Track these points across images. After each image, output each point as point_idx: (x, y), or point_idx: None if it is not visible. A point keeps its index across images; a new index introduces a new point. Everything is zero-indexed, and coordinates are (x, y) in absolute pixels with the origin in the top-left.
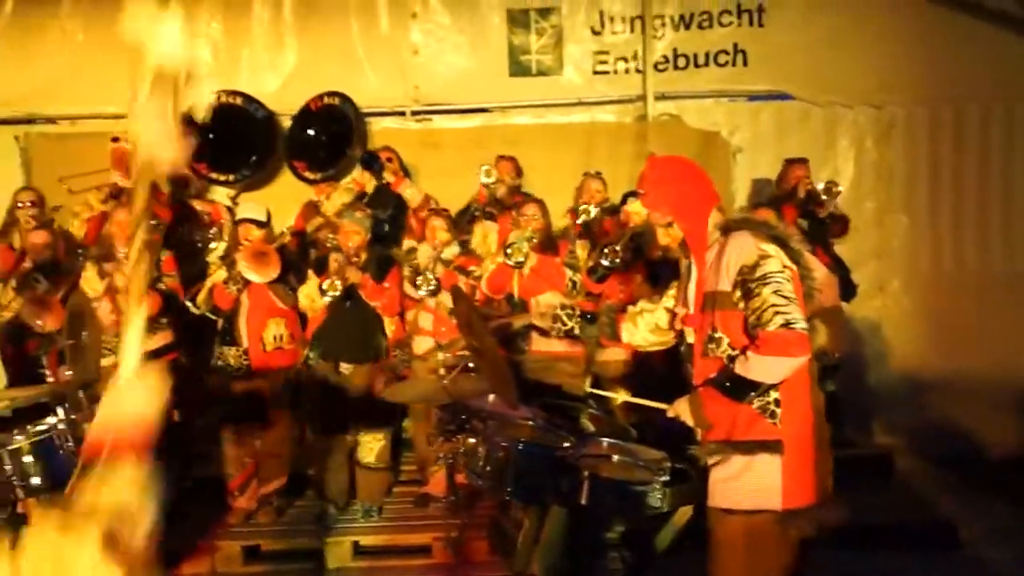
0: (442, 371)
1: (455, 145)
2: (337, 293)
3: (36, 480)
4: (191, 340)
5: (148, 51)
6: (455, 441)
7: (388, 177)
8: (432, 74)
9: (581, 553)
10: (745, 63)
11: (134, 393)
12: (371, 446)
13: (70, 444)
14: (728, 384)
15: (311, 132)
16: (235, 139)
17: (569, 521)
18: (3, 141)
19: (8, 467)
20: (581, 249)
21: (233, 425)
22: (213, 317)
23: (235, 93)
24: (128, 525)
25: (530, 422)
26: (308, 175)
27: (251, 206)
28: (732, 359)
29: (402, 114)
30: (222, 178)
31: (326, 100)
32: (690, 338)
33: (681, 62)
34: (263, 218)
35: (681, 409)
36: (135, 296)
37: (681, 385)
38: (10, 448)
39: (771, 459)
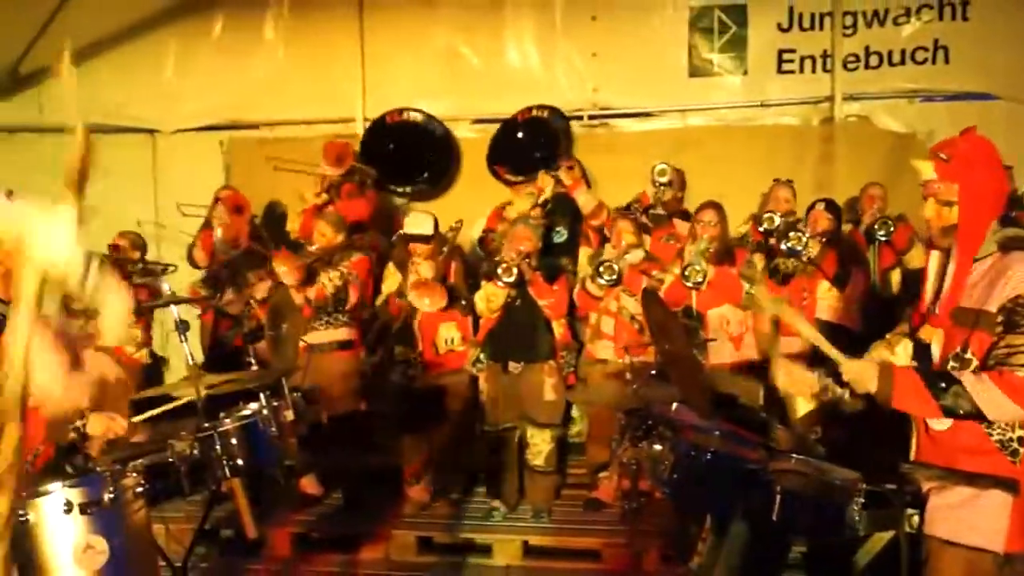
0: (628, 375)
1: (631, 149)
2: (512, 279)
3: (240, 461)
4: (375, 336)
5: (33, 252)
6: (640, 447)
7: (565, 181)
8: (610, 77)
9: (763, 571)
10: (946, 60)
11: None
12: (539, 448)
13: (272, 429)
14: (942, 385)
15: (519, 136)
16: (412, 153)
17: (754, 537)
18: (209, 145)
19: (217, 447)
20: (759, 260)
21: (410, 420)
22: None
23: (413, 110)
24: None
25: (718, 432)
26: (509, 177)
27: (416, 218)
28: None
29: (580, 118)
30: (399, 189)
31: (534, 112)
32: (927, 339)
33: (873, 60)
34: (428, 230)
35: (862, 374)
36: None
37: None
38: (219, 430)
39: (1003, 498)
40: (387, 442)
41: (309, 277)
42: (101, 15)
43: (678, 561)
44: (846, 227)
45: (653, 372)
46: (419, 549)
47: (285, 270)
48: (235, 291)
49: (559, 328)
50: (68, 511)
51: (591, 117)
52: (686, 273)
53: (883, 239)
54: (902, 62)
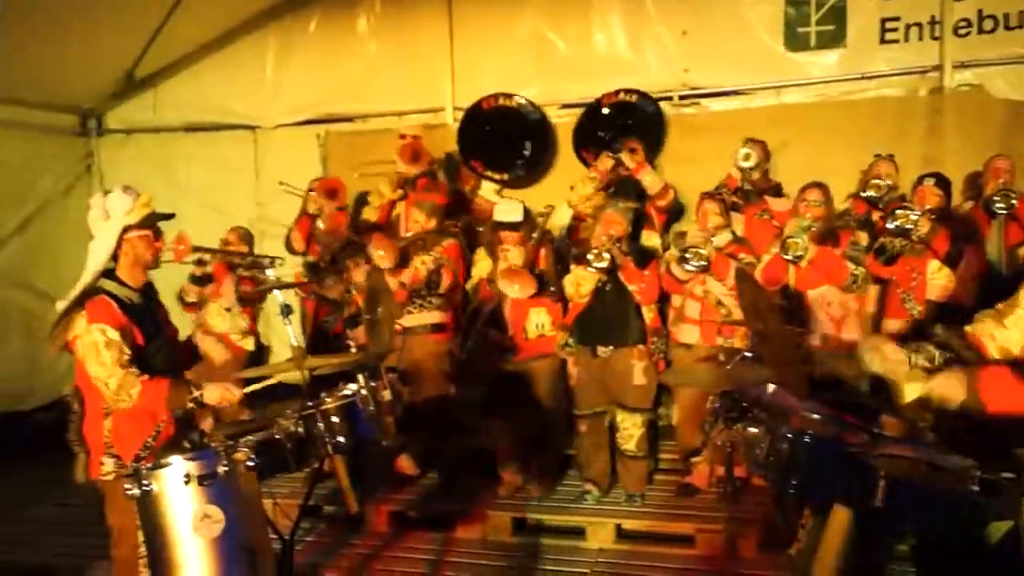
0: (722, 356)
1: (723, 129)
2: (604, 264)
3: (341, 439)
4: (467, 320)
5: None
6: (734, 430)
7: (628, 163)
8: (701, 55)
9: (867, 561)
10: None
11: None
12: (630, 432)
13: (371, 408)
14: None
15: (606, 116)
16: (509, 139)
17: (856, 525)
18: (306, 139)
19: (320, 425)
20: (863, 239)
21: (501, 404)
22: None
23: (509, 95)
24: None
25: (817, 415)
26: (591, 160)
27: (506, 205)
28: None
29: (669, 98)
30: (497, 176)
31: (622, 96)
32: None
33: (987, 24)
34: (518, 217)
35: (948, 389)
36: None
37: None
38: (322, 409)
39: None
40: (480, 425)
41: (403, 261)
42: (207, 18)
43: (775, 548)
44: (967, 204)
45: (747, 354)
46: (513, 530)
47: (382, 254)
48: (335, 278)
49: (649, 313)
50: (187, 482)
51: (681, 98)
52: (786, 245)
53: (1002, 212)
54: (1020, 25)
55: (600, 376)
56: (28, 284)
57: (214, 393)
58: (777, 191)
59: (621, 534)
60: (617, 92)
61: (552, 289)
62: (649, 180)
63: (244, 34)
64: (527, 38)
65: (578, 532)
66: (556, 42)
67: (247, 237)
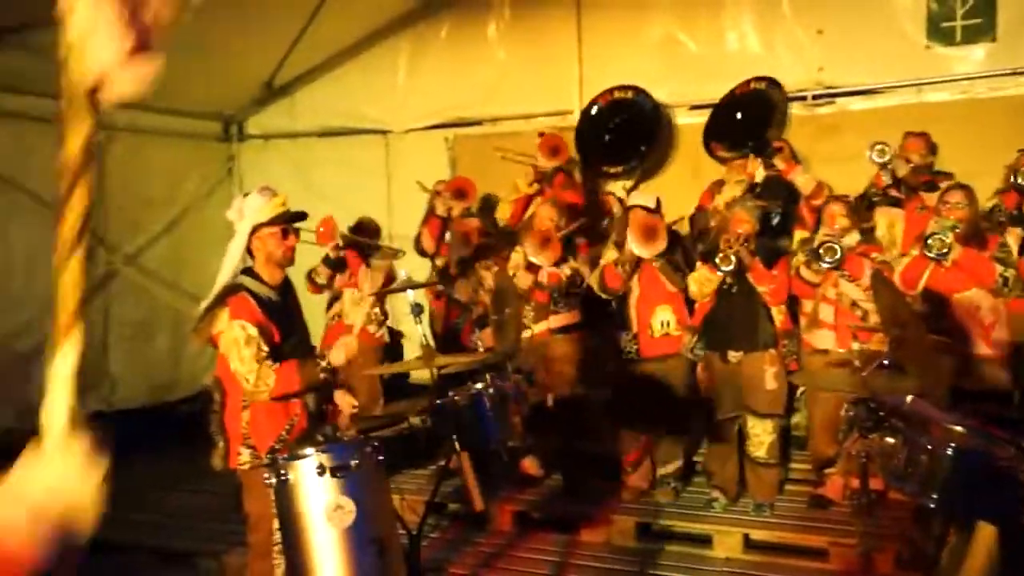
0: (857, 362)
1: (859, 128)
2: (730, 267)
3: (469, 435)
4: (593, 321)
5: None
6: (870, 439)
7: (779, 165)
8: (838, 53)
9: None
10: None
11: (57, 464)
12: (761, 439)
13: (499, 407)
14: None
15: (738, 116)
16: (624, 133)
17: (1003, 543)
18: (436, 143)
19: (448, 423)
20: (1012, 239)
21: (626, 407)
22: (606, 297)
23: (621, 88)
24: None
25: (960, 426)
26: (723, 154)
27: (642, 195)
28: None
29: (803, 98)
30: (612, 170)
31: (752, 86)
32: None
33: None
34: (652, 204)
35: None
36: (67, 317)
37: None
38: (450, 407)
39: None
40: (605, 427)
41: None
42: (342, 28)
43: (914, 566)
44: None
45: (884, 361)
46: (638, 535)
47: (535, 251)
48: (464, 280)
49: (779, 315)
50: (321, 473)
51: (815, 97)
52: (929, 243)
53: None
54: None
55: (730, 381)
56: (174, 282)
57: (339, 354)
58: (931, 186)
59: (749, 544)
60: (748, 82)
61: (681, 274)
62: (802, 180)
63: (377, 42)
64: (657, 39)
65: (704, 540)
66: (687, 43)
67: (373, 227)
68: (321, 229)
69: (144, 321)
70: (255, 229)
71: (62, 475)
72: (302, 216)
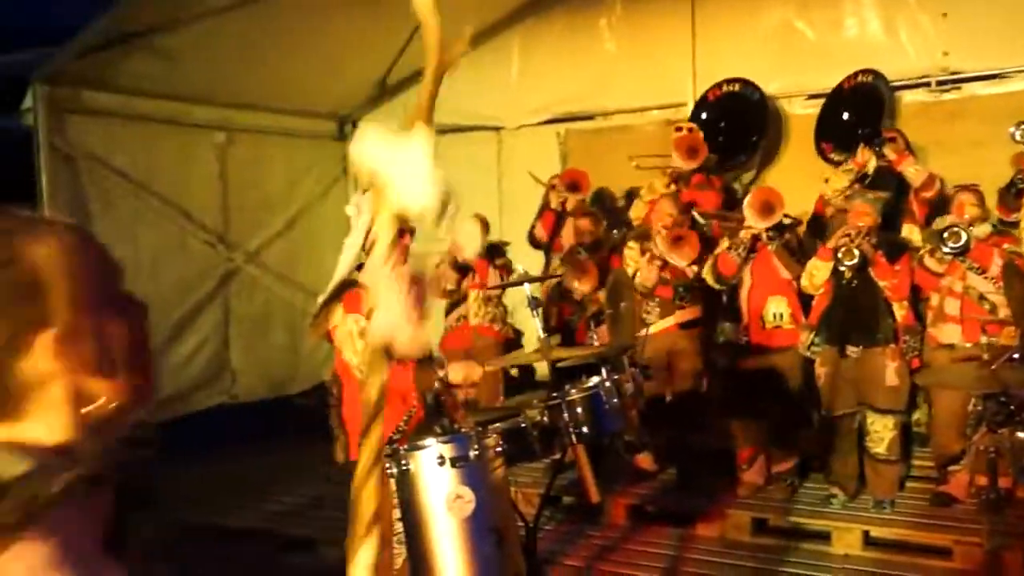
0: (986, 356)
1: (987, 114)
2: (854, 261)
3: (585, 429)
4: (706, 316)
5: (388, 192)
6: (1000, 435)
7: (889, 155)
8: (963, 37)
9: None
10: None
11: None
12: (881, 435)
13: (615, 401)
14: None
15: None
16: (734, 127)
17: None
18: (547, 138)
19: (565, 416)
20: None
21: (740, 402)
22: (719, 287)
23: (732, 81)
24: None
25: None
26: (834, 156)
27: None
28: None
29: (927, 85)
30: (726, 165)
31: (860, 79)
32: None
33: None
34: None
35: None
36: (363, 523)
37: None
38: (567, 399)
39: None
40: (719, 422)
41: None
42: (455, 25)
43: None
44: None
45: (1015, 355)
46: (754, 530)
47: (669, 248)
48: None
49: (900, 310)
50: (441, 464)
51: (939, 83)
52: None
53: None
54: None
55: (849, 376)
56: (292, 279)
57: (458, 372)
58: None
59: (869, 541)
60: (856, 75)
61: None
62: (913, 171)
63: (489, 38)
64: (773, 28)
65: (822, 536)
66: (804, 31)
67: (484, 223)
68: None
69: (263, 316)
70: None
71: None
72: None
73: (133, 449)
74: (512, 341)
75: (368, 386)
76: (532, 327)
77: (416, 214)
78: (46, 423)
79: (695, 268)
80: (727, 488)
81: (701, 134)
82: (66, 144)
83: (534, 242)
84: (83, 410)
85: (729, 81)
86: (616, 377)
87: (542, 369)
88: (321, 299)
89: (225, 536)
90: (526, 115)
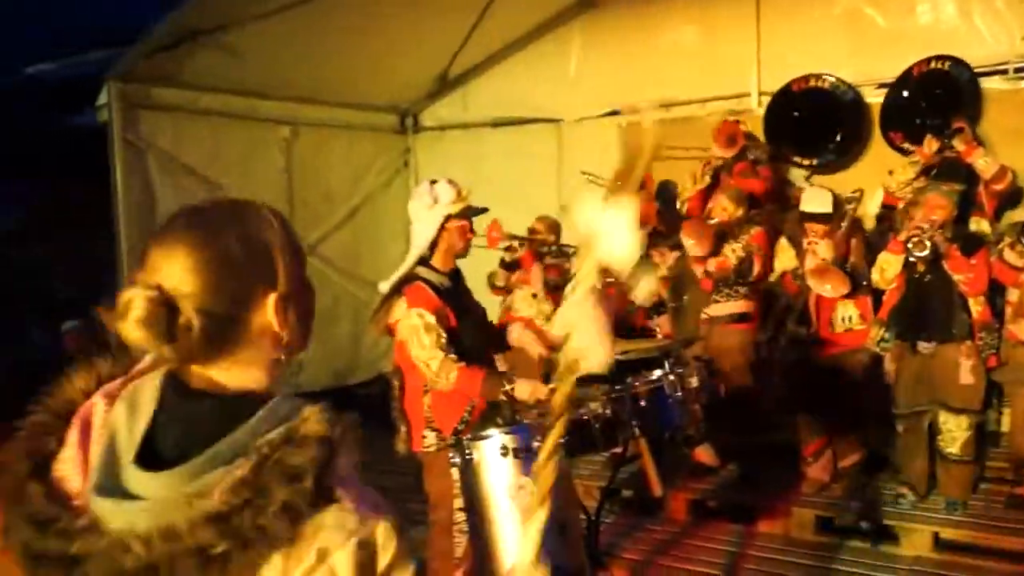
0: None
1: None
2: (925, 253)
3: (648, 422)
4: (778, 314)
5: (595, 244)
6: None
7: (959, 146)
8: None
9: None
10: None
11: None
12: (954, 435)
13: (678, 394)
14: None
15: (911, 99)
16: (819, 122)
17: None
18: (608, 130)
19: (628, 408)
20: None
21: (806, 399)
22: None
23: (821, 76)
24: None
25: None
26: (906, 146)
27: (813, 194)
28: None
29: (1004, 72)
30: (806, 161)
31: (932, 65)
32: None
33: None
34: (827, 208)
35: None
36: (541, 493)
37: None
38: (630, 392)
39: None
40: (783, 419)
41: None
42: (515, 18)
43: None
44: None
45: None
46: (818, 529)
47: (692, 242)
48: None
49: (976, 306)
50: (504, 454)
51: (1017, 70)
52: None
53: None
54: None
55: (921, 374)
56: (354, 270)
57: (524, 389)
58: None
59: (939, 543)
60: (928, 60)
61: (865, 283)
62: (983, 163)
63: (549, 31)
64: (841, 15)
65: (890, 537)
66: (874, 16)
67: (554, 226)
68: (494, 234)
69: (326, 308)
70: (446, 219)
71: None
72: (483, 211)
73: None
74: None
75: (559, 394)
76: None
77: (616, 266)
78: (256, 366)
79: (733, 260)
80: (791, 485)
81: (740, 124)
82: (138, 138)
83: None
84: (277, 356)
85: (820, 75)
86: (680, 370)
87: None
88: (384, 287)
89: None
90: (586, 107)
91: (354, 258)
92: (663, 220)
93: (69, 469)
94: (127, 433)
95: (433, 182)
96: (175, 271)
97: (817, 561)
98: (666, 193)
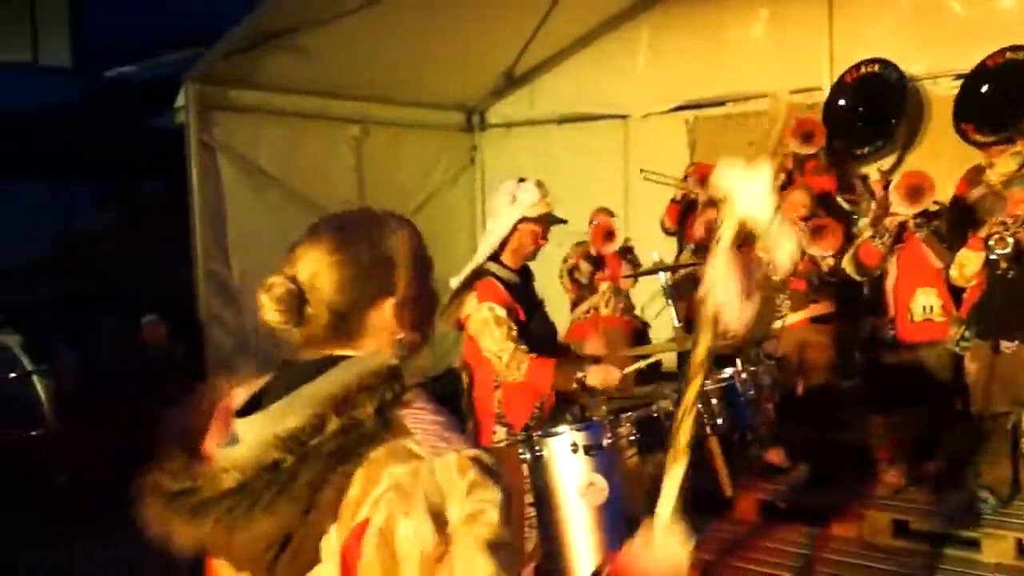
0: None
1: None
2: (1007, 250)
3: (720, 420)
4: (844, 309)
5: (735, 204)
6: None
7: None
8: None
9: None
10: None
11: (662, 546)
12: None
13: (751, 392)
14: None
15: (984, 90)
16: (874, 112)
17: None
18: (675, 125)
19: (699, 406)
20: None
21: (881, 398)
22: (859, 279)
23: (871, 62)
24: None
25: None
26: (977, 138)
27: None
28: None
29: None
30: (857, 151)
31: (1008, 56)
32: None
33: None
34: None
35: None
36: (679, 447)
37: None
38: (702, 390)
39: None
40: (857, 418)
41: None
42: (581, 15)
43: None
44: None
45: None
46: (894, 533)
47: (809, 239)
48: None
49: None
50: (574, 451)
51: None
52: None
53: None
54: None
55: (1004, 374)
56: None
57: (596, 375)
58: None
59: (1022, 550)
60: (1003, 51)
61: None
62: None
63: (616, 26)
64: (917, 4)
65: (970, 543)
66: (951, 5)
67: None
68: (609, 231)
69: None
70: (521, 220)
71: (670, 548)
72: (563, 221)
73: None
74: (640, 332)
75: (699, 346)
76: (659, 320)
77: (754, 225)
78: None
79: (831, 260)
80: (865, 487)
81: (816, 121)
82: (213, 139)
83: (665, 229)
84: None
85: (868, 62)
86: (752, 368)
87: (668, 360)
88: (455, 283)
89: None
90: (653, 103)
91: None
92: None
93: (212, 446)
94: (243, 399)
95: (521, 180)
96: (310, 267)
97: (894, 566)
98: None
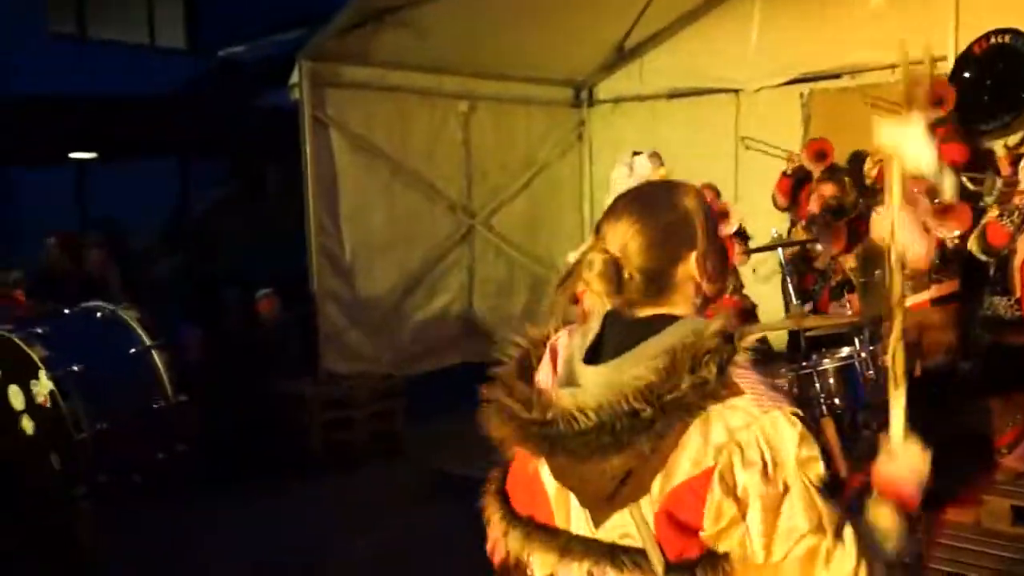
0: None
1: None
2: None
3: (837, 400)
4: (967, 289)
5: (900, 157)
6: None
7: None
8: None
9: None
10: None
11: (903, 457)
12: None
13: (870, 372)
14: None
15: None
16: (1004, 83)
17: None
18: (789, 99)
19: (816, 386)
20: None
21: (1002, 381)
22: (985, 259)
23: (1004, 32)
24: None
25: None
26: None
27: None
28: None
29: None
30: (982, 127)
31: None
32: None
33: None
34: None
35: None
36: (898, 376)
37: None
38: (819, 369)
39: None
40: (977, 401)
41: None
42: None
43: None
44: None
45: None
46: (1014, 520)
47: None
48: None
49: None
50: None
51: None
52: None
53: None
54: None
55: None
56: (528, 243)
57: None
58: None
59: None
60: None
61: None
62: None
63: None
64: None
65: None
66: None
67: (715, 191)
68: (723, 213)
69: (505, 279)
70: None
71: (911, 457)
72: None
73: None
74: (749, 311)
75: (894, 285)
76: (769, 298)
77: (918, 172)
78: (680, 307)
79: (957, 240)
80: (984, 472)
81: (947, 84)
82: (326, 116)
83: (775, 203)
84: (698, 300)
85: (998, 32)
86: (872, 348)
87: (777, 339)
88: (573, 257)
89: (446, 483)
90: (766, 76)
91: (529, 231)
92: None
93: (543, 378)
94: (580, 346)
95: (636, 153)
96: (619, 238)
97: (1014, 553)
98: (859, 162)
